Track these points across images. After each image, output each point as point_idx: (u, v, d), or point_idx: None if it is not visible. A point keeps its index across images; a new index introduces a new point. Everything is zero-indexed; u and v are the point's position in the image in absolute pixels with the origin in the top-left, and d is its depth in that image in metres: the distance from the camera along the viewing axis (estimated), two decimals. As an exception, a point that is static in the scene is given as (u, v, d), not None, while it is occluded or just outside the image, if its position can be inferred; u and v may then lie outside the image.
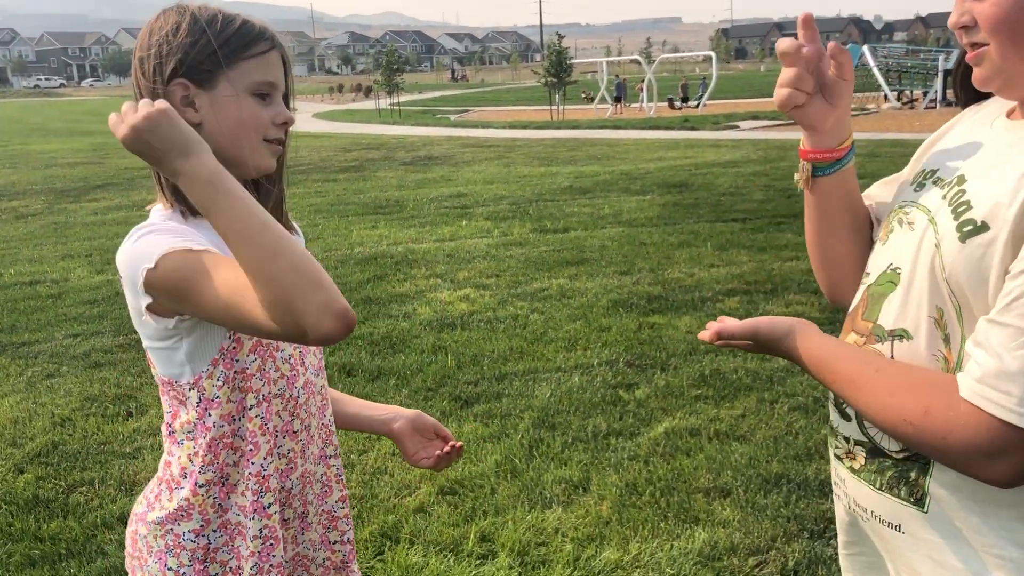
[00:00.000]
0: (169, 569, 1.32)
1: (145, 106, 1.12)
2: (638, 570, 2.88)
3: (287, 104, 1.33)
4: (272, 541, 1.33)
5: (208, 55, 1.23)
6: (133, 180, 14.01)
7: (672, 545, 3.00)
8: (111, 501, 3.46)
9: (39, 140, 24.78)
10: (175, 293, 1.18)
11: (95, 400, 4.54)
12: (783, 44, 1.19)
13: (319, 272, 1.07)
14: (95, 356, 5.24)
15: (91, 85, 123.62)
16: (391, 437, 1.61)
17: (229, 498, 1.32)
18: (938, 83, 25.87)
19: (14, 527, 3.29)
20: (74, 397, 4.59)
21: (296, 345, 1.36)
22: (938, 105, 25.18)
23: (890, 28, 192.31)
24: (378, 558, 3.02)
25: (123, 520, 3.30)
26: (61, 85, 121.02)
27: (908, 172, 1.33)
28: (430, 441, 1.60)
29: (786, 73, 1.21)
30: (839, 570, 2.84)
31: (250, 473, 1.31)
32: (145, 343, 1.31)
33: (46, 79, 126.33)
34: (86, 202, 11.86)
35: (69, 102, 64.32)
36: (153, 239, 1.20)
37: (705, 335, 1.31)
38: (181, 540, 1.31)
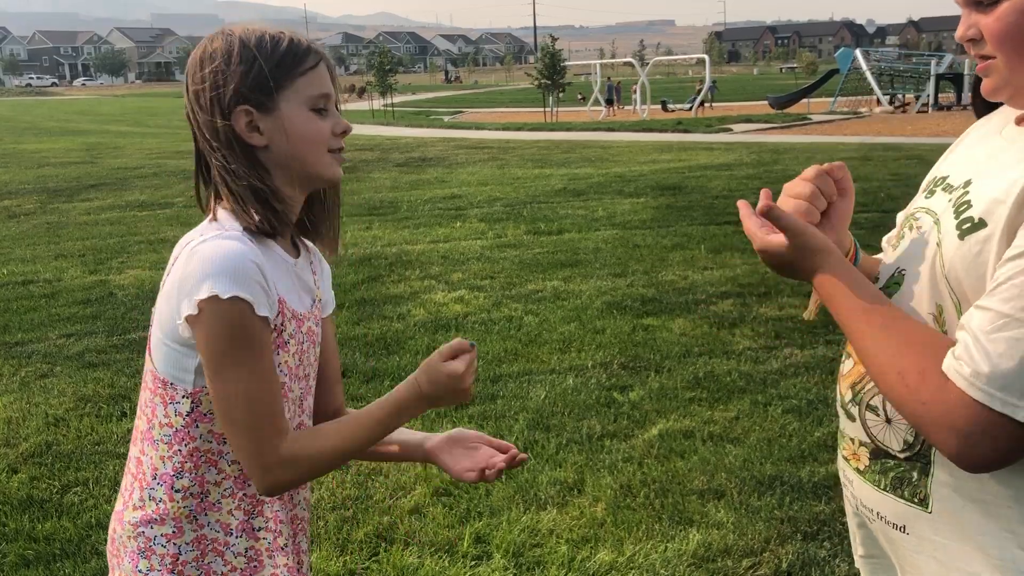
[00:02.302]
0: (139, 571, 1.30)
1: None
2: (632, 571, 2.90)
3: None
4: (256, 564, 1.32)
5: (263, 78, 1.24)
6: (126, 180, 13.98)
7: (666, 547, 3.02)
8: (105, 501, 3.46)
9: (31, 139, 24.68)
10: (201, 343, 1.19)
11: (89, 400, 4.53)
12: (815, 170, 1.19)
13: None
14: (89, 356, 5.23)
15: (83, 84, 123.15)
16: (428, 459, 1.46)
17: (207, 514, 1.29)
18: (930, 87, 25.97)
19: (8, 527, 3.28)
20: (68, 397, 4.58)
21: (304, 386, 1.38)
22: (930, 109, 25.28)
23: (882, 32, 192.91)
24: (373, 559, 3.03)
25: (118, 520, 3.30)
26: (53, 84, 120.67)
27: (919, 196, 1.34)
28: (476, 450, 1.45)
29: (803, 187, 1.20)
30: (832, 571, 2.87)
31: (244, 495, 1.30)
32: (156, 333, 1.28)
33: (38, 78, 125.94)
34: (79, 202, 11.82)
35: (61, 101, 64.09)
36: (229, 263, 1.18)
37: (760, 206, 1.15)
38: (152, 543, 1.30)
